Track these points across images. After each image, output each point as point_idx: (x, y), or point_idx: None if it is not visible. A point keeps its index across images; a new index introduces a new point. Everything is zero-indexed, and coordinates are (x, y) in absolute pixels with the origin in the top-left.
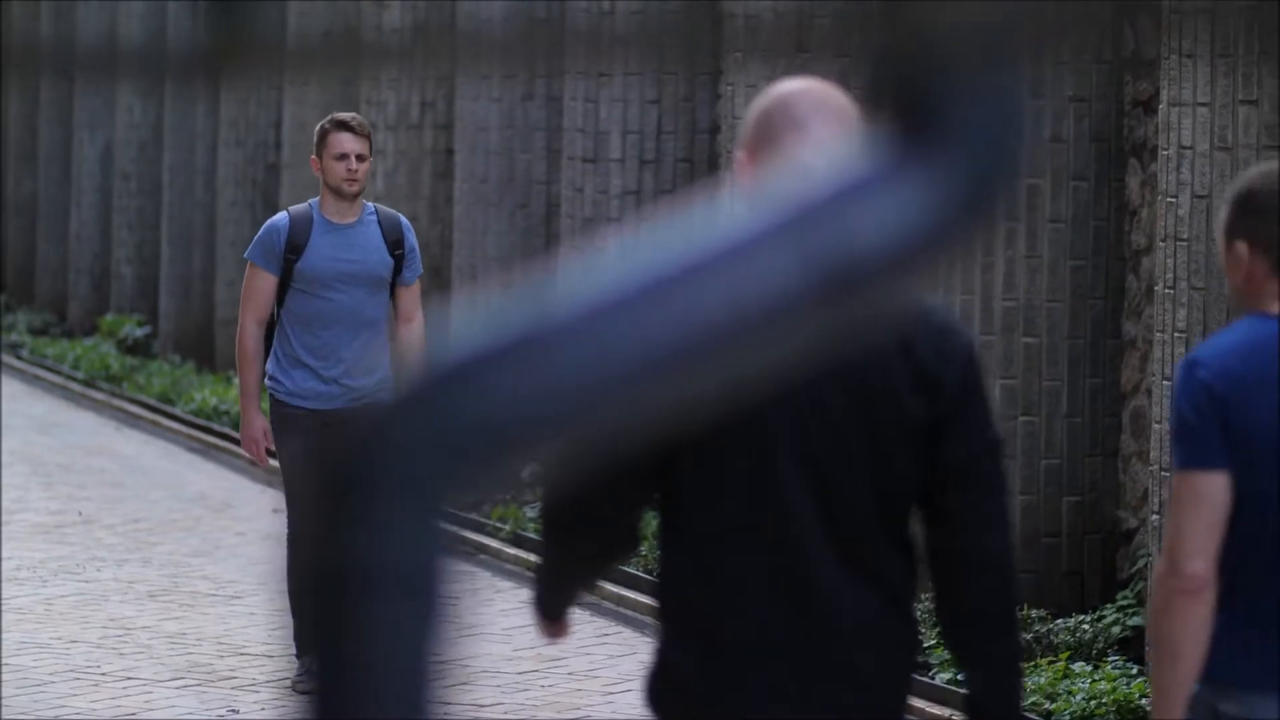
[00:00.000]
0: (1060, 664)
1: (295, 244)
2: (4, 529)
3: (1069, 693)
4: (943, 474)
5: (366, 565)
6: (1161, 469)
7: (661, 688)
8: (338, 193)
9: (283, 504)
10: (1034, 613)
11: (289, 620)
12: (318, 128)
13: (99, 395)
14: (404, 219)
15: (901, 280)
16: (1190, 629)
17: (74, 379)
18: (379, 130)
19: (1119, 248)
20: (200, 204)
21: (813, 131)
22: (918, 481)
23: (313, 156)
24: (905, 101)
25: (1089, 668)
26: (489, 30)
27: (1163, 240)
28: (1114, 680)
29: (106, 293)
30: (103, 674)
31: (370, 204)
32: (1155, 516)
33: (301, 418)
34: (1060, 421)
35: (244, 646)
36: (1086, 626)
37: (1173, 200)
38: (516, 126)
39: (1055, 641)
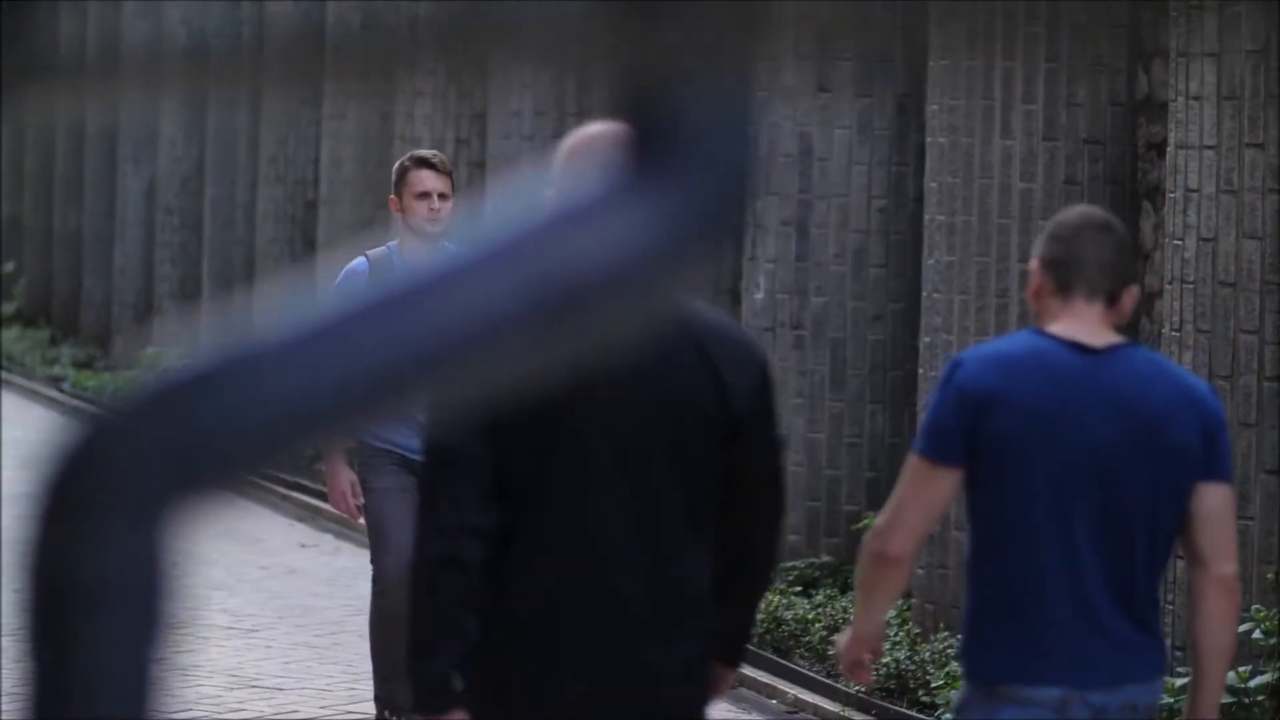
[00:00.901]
0: None
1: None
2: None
3: None
4: (733, 474)
5: (86, 577)
6: None
7: (476, 676)
8: (419, 234)
9: (311, 538)
10: None
11: (370, 668)
12: (397, 165)
13: None
14: None
15: (628, 303)
16: (886, 590)
17: None
18: None
19: None
20: (241, 239)
21: None
22: (718, 478)
23: (391, 196)
24: (640, 125)
25: None
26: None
27: (1169, 283)
28: None
29: (150, 326)
30: None
31: (455, 247)
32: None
33: (390, 457)
34: None
35: (255, 679)
36: None
37: (1179, 243)
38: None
39: None
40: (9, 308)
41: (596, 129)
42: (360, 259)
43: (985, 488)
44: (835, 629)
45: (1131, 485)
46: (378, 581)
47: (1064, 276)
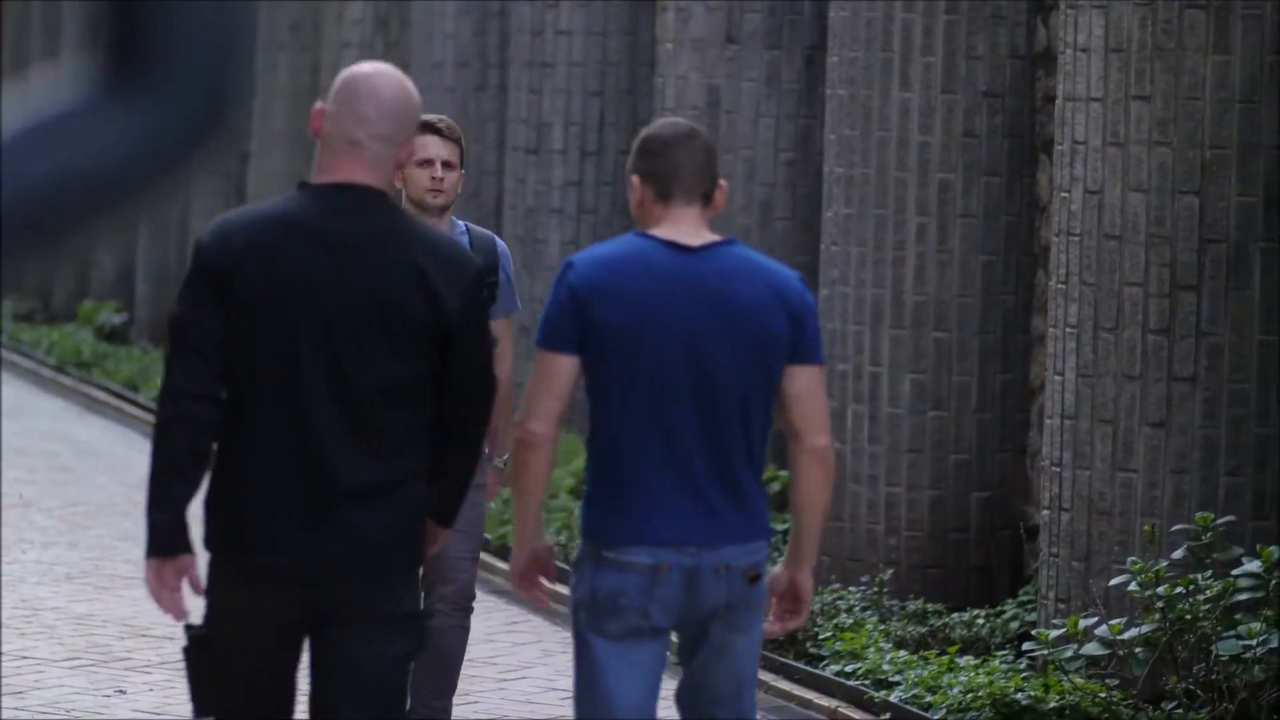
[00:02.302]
0: (946, 658)
1: None
2: None
3: (949, 685)
4: (448, 370)
5: None
6: (1053, 464)
7: (210, 535)
8: (420, 206)
9: None
10: (929, 606)
11: None
12: None
13: (67, 381)
14: (501, 242)
15: (110, 203)
16: (532, 472)
17: (45, 364)
18: None
19: (1030, 243)
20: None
21: (363, 109)
22: (429, 375)
23: None
24: (119, 35)
25: (974, 661)
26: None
27: (1056, 235)
28: (993, 674)
29: (88, 280)
30: None
31: (462, 221)
32: (1046, 513)
33: None
34: (970, 417)
35: (148, 629)
36: (981, 621)
37: (1066, 195)
38: (469, 116)
39: (951, 636)
40: None
41: (367, 69)
42: None
43: (597, 372)
44: None
45: (722, 369)
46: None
47: (663, 186)
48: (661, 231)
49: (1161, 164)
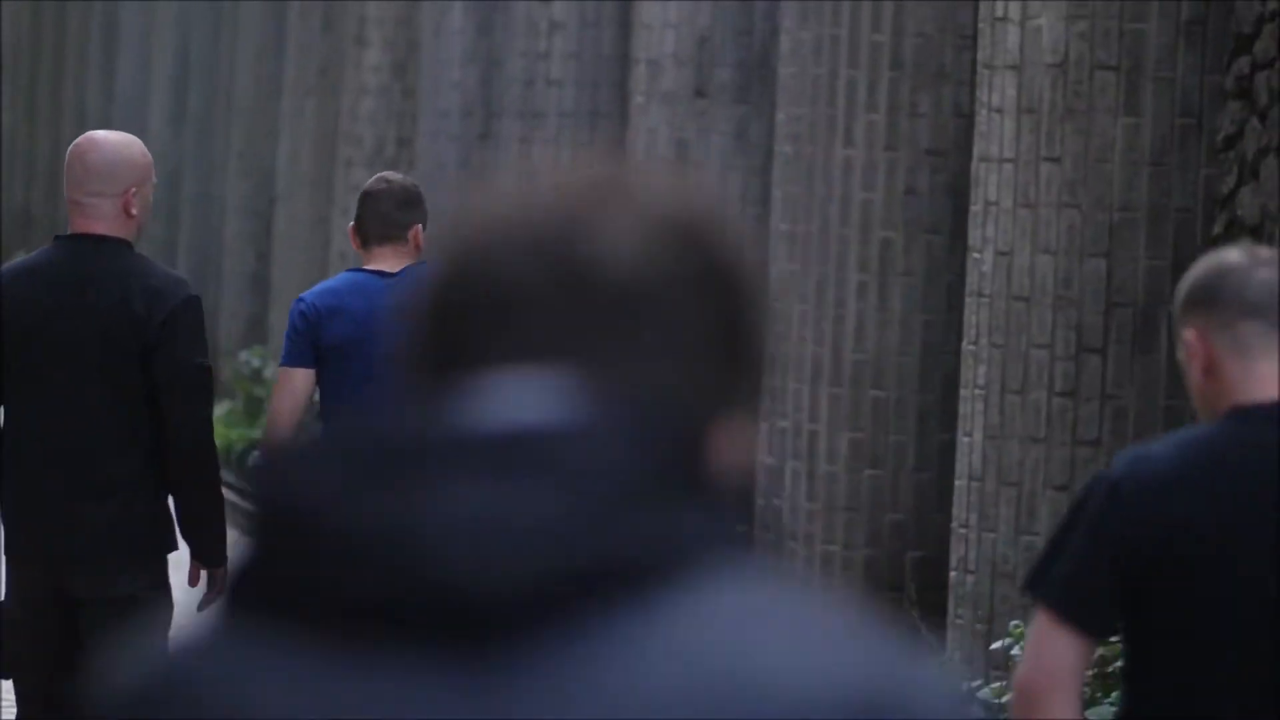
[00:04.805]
0: None
1: None
2: None
3: None
4: (156, 383)
5: None
6: (960, 526)
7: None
8: None
9: None
10: None
11: None
12: None
13: None
14: None
15: None
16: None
17: None
18: (354, 166)
19: None
20: (216, 234)
21: (74, 174)
22: (143, 391)
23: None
24: None
25: None
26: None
27: (968, 296)
28: None
29: None
30: None
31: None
32: (954, 574)
33: None
34: (907, 476)
35: None
36: None
37: (978, 256)
38: (473, 165)
39: None
40: None
41: (99, 137)
42: None
43: (326, 381)
44: None
45: None
46: None
47: (363, 231)
48: (370, 265)
49: (1070, 226)
